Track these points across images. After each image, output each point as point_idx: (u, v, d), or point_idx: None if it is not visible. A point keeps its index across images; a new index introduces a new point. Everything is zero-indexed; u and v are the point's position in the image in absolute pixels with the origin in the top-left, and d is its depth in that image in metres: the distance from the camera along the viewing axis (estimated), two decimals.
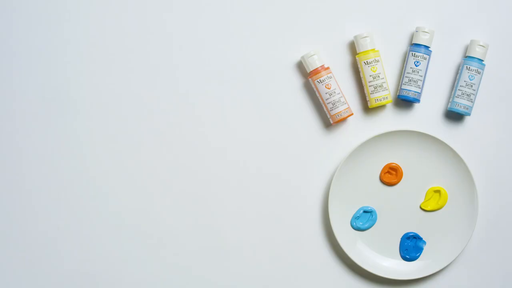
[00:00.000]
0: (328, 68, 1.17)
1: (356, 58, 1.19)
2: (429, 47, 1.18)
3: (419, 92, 1.18)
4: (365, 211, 1.20)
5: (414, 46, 1.18)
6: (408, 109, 1.21)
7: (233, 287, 1.20)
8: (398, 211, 1.20)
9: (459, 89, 1.18)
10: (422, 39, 1.17)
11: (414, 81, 1.18)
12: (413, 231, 1.20)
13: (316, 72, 1.17)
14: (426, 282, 1.21)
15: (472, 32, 1.21)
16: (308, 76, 1.18)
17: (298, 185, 1.20)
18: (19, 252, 1.18)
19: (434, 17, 1.20)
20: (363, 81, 1.19)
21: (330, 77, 1.17)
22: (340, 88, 1.18)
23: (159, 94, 1.19)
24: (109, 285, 1.18)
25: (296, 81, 1.20)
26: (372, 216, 1.20)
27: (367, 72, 1.18)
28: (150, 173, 1.19)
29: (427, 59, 1.18)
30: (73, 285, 1.19)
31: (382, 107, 1.21)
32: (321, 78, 1.16)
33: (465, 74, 1.18)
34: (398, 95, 1.19)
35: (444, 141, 1.18)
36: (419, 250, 1.20)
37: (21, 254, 1.18)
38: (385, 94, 1.18)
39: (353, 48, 1.20)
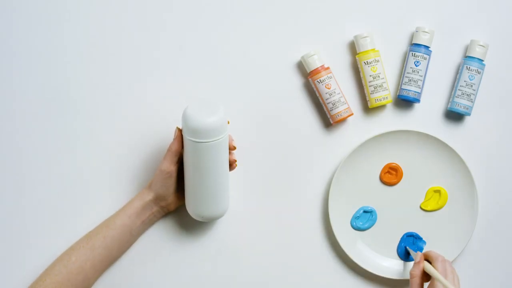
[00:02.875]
0: (328, 68, 1.17)
1: (356, 58, 1.19)
2: (429, 47, 1.18)
3: (419, 92, 1.18)
4: (365, 211, 1.20)
5: (414, 46, 1.18)
6: (408, 109, 1.21)
7: (232, 287, 1.20)
8: (398, 211, 1.20)
9: (459, 89, 1.18)
10: (422, 39, 1.17)
11: (414, 81, 1.18)
12: (413, 231, 1.20)
13: (316, 72, 1.17)
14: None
15: (472, 32, 1.21)
16: (308, 76, 1.18)
17: (298, 185, 1.20)
18: (18, 252, 1.18)
19: (434, 17, 1.21)
20: (363, 81, 1.19)
21: (330, 77, 1.17)
22: (340, 88, 1.18)
23: (158, 94, 1.19)
24: (113, 285, 1.19)
25: (296, 81, 1.20)
26: (372, 216, 1.20)
27: (367, 72, 1.18)
28: (152, 172, 1.19)
29: (427, 59, 1.18)
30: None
31: (382, 107, 1.21)
32: (321, 78, 1.17)
33: (465, 74, 1.18)
34: (398, 95, 1.19)
35: (444, 141, 1.18)
36: (419, 250, 1.20)
37: (21, 254, 1.18)
38: (385, 94, 1.18)
39: (353, 48, 1.20)
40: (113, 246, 1.13)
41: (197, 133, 1.05)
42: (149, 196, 1.14)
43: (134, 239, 1.16)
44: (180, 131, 1.11)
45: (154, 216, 1.16)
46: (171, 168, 1.12)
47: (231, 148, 1.12)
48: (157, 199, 1.14)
